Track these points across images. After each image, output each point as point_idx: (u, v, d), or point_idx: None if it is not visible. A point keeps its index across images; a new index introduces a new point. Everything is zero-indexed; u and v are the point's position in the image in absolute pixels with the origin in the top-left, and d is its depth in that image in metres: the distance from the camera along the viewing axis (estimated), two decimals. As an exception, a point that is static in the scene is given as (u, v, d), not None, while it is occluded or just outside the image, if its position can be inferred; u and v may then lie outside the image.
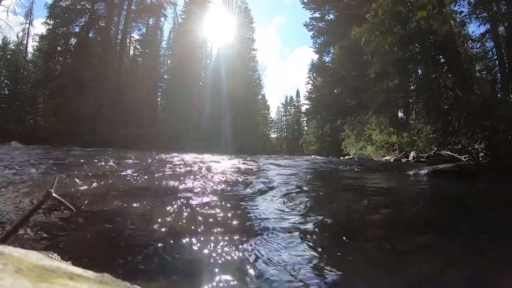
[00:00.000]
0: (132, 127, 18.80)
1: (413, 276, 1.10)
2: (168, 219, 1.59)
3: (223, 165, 4.74)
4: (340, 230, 1.63)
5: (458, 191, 3.30)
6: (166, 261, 1.11)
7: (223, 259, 1.12)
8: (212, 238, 1.33)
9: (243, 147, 20.10)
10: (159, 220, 1.57)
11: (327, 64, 20.71)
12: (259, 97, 35.36)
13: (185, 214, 1.73)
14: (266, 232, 1.45)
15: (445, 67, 9.42)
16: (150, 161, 4.95)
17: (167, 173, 3.39)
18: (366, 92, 11.66)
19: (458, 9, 9.26)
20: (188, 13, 26.24)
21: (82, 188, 2.26)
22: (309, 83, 31.82)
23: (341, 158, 12.96)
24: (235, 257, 1.15)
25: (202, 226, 1.51)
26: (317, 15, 19.18)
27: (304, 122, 38.53)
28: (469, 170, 4.25)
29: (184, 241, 1.28)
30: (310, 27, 19.37)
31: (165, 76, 26.65)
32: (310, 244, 1.34)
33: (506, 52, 10.65)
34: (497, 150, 5.93)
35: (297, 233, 1.45)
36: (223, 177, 3.28)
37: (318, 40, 19.76)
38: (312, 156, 17.09)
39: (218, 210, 1.87)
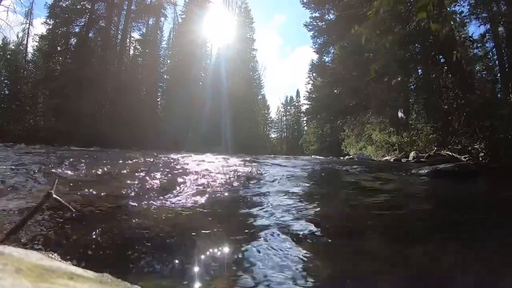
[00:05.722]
0: (132, 127, 18.82)
1: (412, 274, 1.10)
2: (169, 219, 1.59)
3: (224, 165, 4.74)
4: (340, 228, 1.63)
5: (458, 191, 3.30)
6: (167, 261, 1.11)
7: (224, 258, 1.12)
8: (214, 237, 1.33)
9: (243, 147, 20.13)
10: (159, 220, 1.57)
11: (327, 64, 20.73)
12: (259, 97, 35.43)
13: (186, 214, 1.73)
14: (268, 231, 1.45)
15: (445, 67, 9.44)
16: (150, 161, 4.94)
17: (168, 173, 3.39)
18: (366, 92, 11.69)
19: (458, 10, 9.28)
20: (188, 13, 26.27)
21: (82, 188, 2.26)
22: (309, 83, 31.83)
23: (341, 158, 12.95)
24: (236, 256, 1.15)
25: (203, 226, 1.51)
26: (317, 14, 19.22)
27: (304, 122, 38.52)
28: (469, 170, 4.25)
29: (184, 241, 1.28)
30: (310, 27, 19.43)
31: (165, 76, 26.68)
32: (311, 243, 1.34)
33: (506, 52, 10.66)
34: (497, 150, 5.94)
35: (299, 232, 1.45)
36: (224, 176, 3.28)
37: (318, 40, 19.81)
38: (312, 156, 17.08)
39: (219, 210, 1.87)
